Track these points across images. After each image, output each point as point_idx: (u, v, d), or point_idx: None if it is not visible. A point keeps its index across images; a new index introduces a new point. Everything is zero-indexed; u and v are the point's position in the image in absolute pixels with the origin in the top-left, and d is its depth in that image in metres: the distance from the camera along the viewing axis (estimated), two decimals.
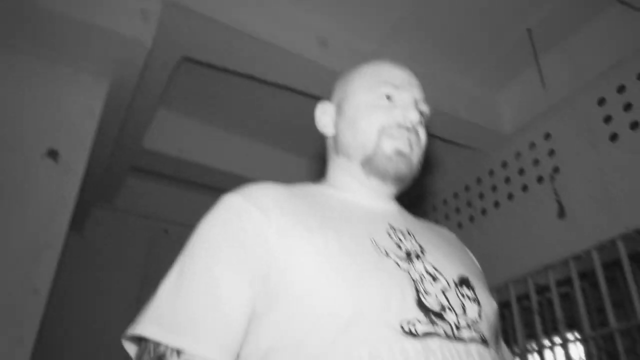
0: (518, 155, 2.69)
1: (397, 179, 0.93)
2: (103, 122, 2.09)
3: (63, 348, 2.75)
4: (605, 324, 2.13)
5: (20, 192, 1.74)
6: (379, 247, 0.81)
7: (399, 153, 0.92)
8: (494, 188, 2.79)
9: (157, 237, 3.35)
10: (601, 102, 2.34)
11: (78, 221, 2.79)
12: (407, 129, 0.94)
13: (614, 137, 2.25)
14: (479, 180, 2.90)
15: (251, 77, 2.42)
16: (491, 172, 2.83)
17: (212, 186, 3.20)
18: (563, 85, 2.50)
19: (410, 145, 0.93)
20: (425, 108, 1.00)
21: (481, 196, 2.86)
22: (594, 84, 2.37)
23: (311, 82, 2.40)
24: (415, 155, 0.95)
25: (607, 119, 2.30)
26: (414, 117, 0.94)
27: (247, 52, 2.23)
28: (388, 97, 0.96)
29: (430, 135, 2.96)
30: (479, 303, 0.83)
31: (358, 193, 0.95)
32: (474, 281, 0.87)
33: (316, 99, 2.60)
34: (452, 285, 0.82)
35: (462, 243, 1.05)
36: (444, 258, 0.88)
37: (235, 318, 0.73)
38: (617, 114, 2.26)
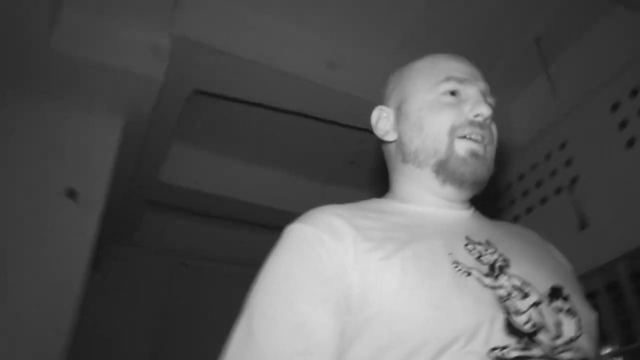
0: (534, 166, 2.66)
1: (475, 184, 0.85)
2: (119, 158, 2.12)
3: None
4: (633, 338, 2.07)
5: (41, 232, 1.77)
6: (459, 266, 0.74)
7: (474, 154, 0.84)
8: (512, 202, 2.76)
9: (176, 271, 3.36)
10: (615, 107, 2.31)
11: (97, 259, 2.81)
12: (480, 125, 0.85)
13: (630, 142, 2.22)
14: (497, 196, 2.87)
15: (263, 106, 2.45)
16: (508, 186, 2.80)
17: (229, 217, 3.21)
18: (574, 92, 2.48)
19: (485, 144, 0.85)
20: (492, 100, 0.91)
21: (500, 211, 2.82)
22: (605, 89, 2.35)
23: (323, 106, 2.42)
24: (490, 154, 0.87)
25: (623, 125, 2.27)
26: (485, 111, 0.85)
27: (257, 81, 2.26)
28: (453, 93, 0.88)
29: None
30: (576, 315, 0.74)
31: (430, 203, 0.87)
32: (568, 289, 0.78)
33: (328, 123, 2.64)
34: (545, 298, 0.74)
35: (546, 242, 0.95)
36: (532, 267, 0.79)
37: (330, 353, 0.68)
38: (632, 118, 2.24)
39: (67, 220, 1.82)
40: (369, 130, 2.97)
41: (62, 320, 1.65)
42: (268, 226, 3.36)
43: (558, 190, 2.50)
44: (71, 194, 1.85)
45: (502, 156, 2.75)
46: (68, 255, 1.77)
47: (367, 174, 3.20)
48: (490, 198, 2.89)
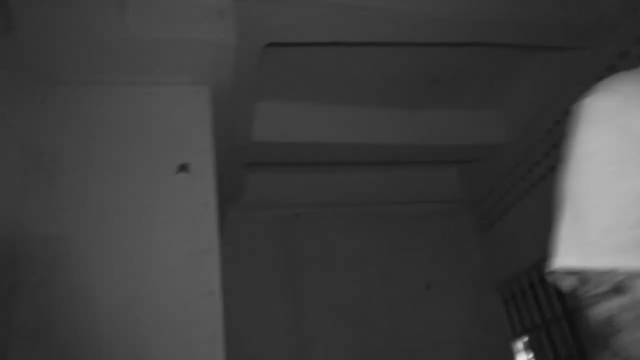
0: (638, 39, 2.43)
1: None
2: (213, 127, 2.21)
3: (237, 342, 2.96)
4: None
5: (167, 207, 1.90)
6: None
7: None
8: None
9: (291, 222, 3.49)
10: None
11: None
12: None
13: None
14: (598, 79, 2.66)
15: (336, 44, 2.42)
16: (611, 68, 2.58)
17: (327, 161, 3.27)
18: None
19: None
20: None
21: None
22: None
23: (395, 29, 2.34)
24: None
25: None
26: None
27: (323, 20, 2.22)
28: None
29: (524, 46, 2.67)
30: None
31: None
32: None
33: (404, 45, 2.57)
34: None
35: None
36: None
37: None
38: None
39: (187, 193, 1.94)
40: (446, 44, 2.83)
41: (212, 282, 1.78)
42: (367, 163, 3.39)
43: None
44: (183, 167, 1.96)
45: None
46: (197, 224, 1.89)
47: (453, 89, 3.10)
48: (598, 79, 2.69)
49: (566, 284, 0.71)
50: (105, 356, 1.66)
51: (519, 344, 3.38)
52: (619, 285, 0.64)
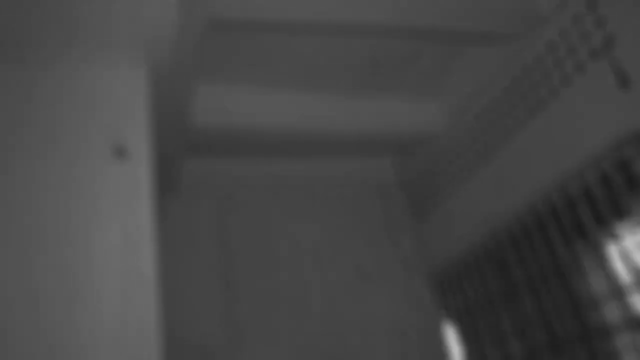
0: (564, 33, 2.56)
1: None
2: (152, 109, 2.13)
3: (170, 332, 2.91)
4: None
5: (101, 194, 1.83)
6: None
7: None
8: (547, 75, 2.68)
9: (228, 209, 3.43)
10: None
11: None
12: None
13: None
14: (526, 69, 2.78)
15: (279, 28, 2.39)
16: (539, 59, 2.71)
17: (272, 147, 3.24)
18: None
19: None
20: None
21: (537, 85, 2.75)
22: None
23: (343, 13, 2.33)
24: None
25: None
26: None
27: None
28: None
29: (464, 33, 2.80)
30: None
31: None
32: None
33: (353, 27, 2.56)
34: None
35: None
36: None
37: None
38: None
39: (122, 178, 1.87)
40: (388, 29, 2.80)
41: (147, 270, 1.73)
42: (305, 148, 3.38)
43: (593, 54, 2.41)
44: (120, 152, 1.88)
45: (528, 28, 2.65)
46: (133, 212, 1.83)
47: (392, 77, 3.14)
48: (521, 73, 2.81)
49: None
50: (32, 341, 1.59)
51: (450, 330, 3.50)
52: None
